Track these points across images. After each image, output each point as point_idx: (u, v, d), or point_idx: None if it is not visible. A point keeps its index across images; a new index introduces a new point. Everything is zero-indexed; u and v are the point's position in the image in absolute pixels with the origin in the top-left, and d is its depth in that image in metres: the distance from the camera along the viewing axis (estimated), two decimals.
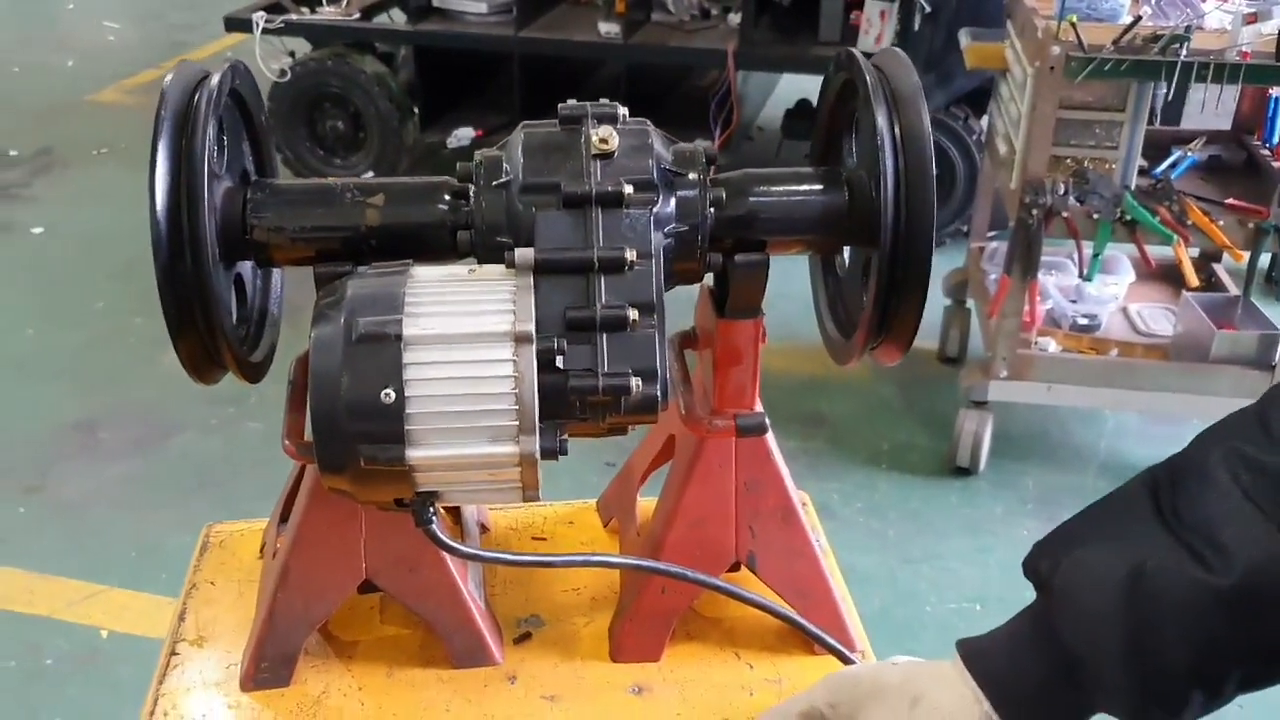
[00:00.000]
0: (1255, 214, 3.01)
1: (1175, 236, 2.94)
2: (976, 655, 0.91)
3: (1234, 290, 3.41)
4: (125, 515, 3.18)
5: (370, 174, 4.82)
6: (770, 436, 1.17)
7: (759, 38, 4.42)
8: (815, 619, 1.18)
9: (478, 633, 1.19)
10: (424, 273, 0.99)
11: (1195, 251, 3.37)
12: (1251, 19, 2.75)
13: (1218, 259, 3.62)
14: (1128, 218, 2.97)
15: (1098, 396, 3.23)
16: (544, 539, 1.39)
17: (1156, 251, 3.10)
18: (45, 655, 2.74)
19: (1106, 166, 3.09)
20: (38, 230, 4.80)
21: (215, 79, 1.01)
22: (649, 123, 1.05)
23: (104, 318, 4.12)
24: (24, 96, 6.22)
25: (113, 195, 4.93)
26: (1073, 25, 2.75)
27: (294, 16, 4.76)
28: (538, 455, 0.95)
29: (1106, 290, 3.41)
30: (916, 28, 4.03)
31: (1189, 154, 3.34)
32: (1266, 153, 3.34)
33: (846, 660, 1.16)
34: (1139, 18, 2.80)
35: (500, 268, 0.99)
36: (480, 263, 1.02)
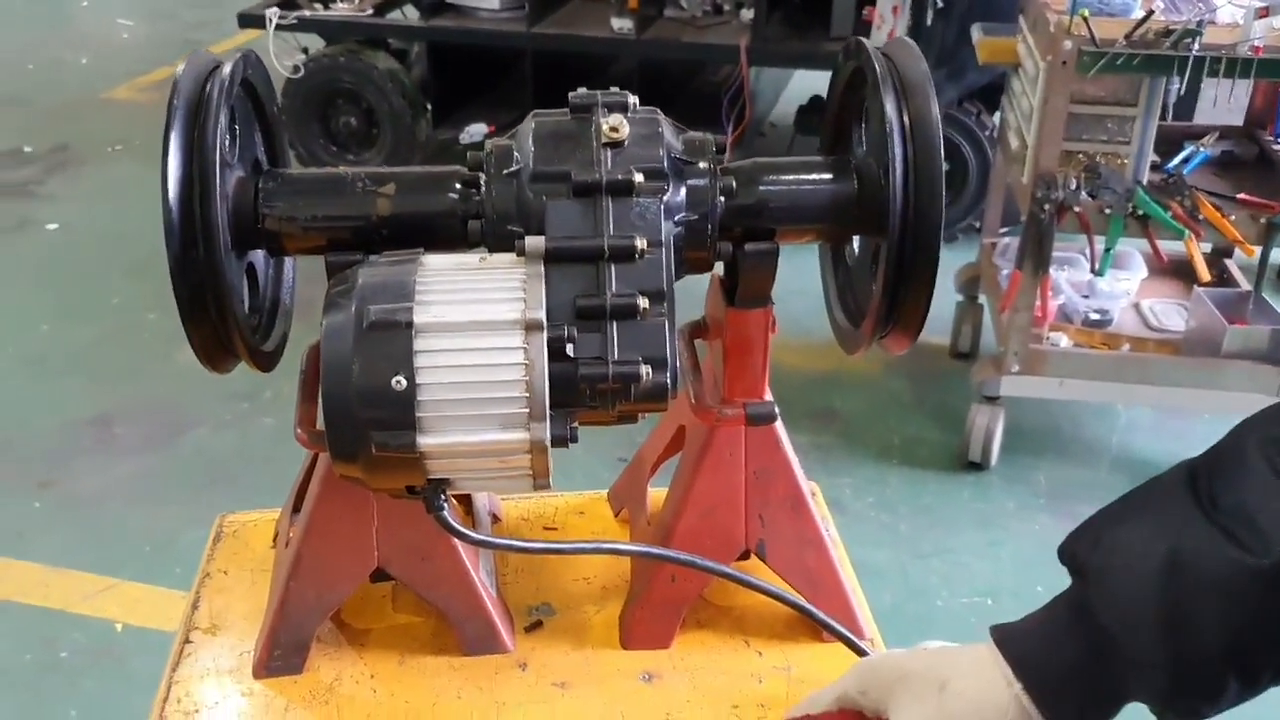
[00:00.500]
0: (1267, 209, 3.00)
1: (1187, 231, 2.93)
2: (1009, 638, 0.91)
3: (1246, 285, 3.41)
4: (139, 510, 3.19)
5: None
6: (780, 425, 1.17)
7: (771, 33, 4.42)
8: (824, 607, 1.18)
9: (489, 620, 1.20)
10: (435, 261, 0.99)
11: (1208, 247, 3.36)
12: (1264, 13, 2.74)
13: (1230, 254, 3.61)
14: (1140, 213, 2.96)
15: (1109, 391, 3.23)
16: (555, 529, 1.39)
17: (1169, 247, 3.10)
18: (60, 648, 2.76)
19: (1118, 161, 3.09)
20: (53, 227, 4.82)
21: (227, 68, 1.02)
22: (659, 111, 1.06)
23: (119, 314, 4.14)
24: (39, 94, 6.25)
25: (127, 192, 4.95)
26: (1085, 20, 2.74)
27: (307, 13, 4.78)
28: (548, 442, 0.96)
29: (1118, 285, 3.40)
30: (929, 23, 4.03)
31: (1201, 149, 3.33)
32: (1279, 148, 3.33)
33: (855, 648, 1.16)
34: (1151, 12, 2.80)
35: (511, 256, 0.99)
36: (491, 251, 1.03)
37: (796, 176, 1.08)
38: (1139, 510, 0.87)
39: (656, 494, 1.34)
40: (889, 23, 4.10)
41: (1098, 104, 3.07)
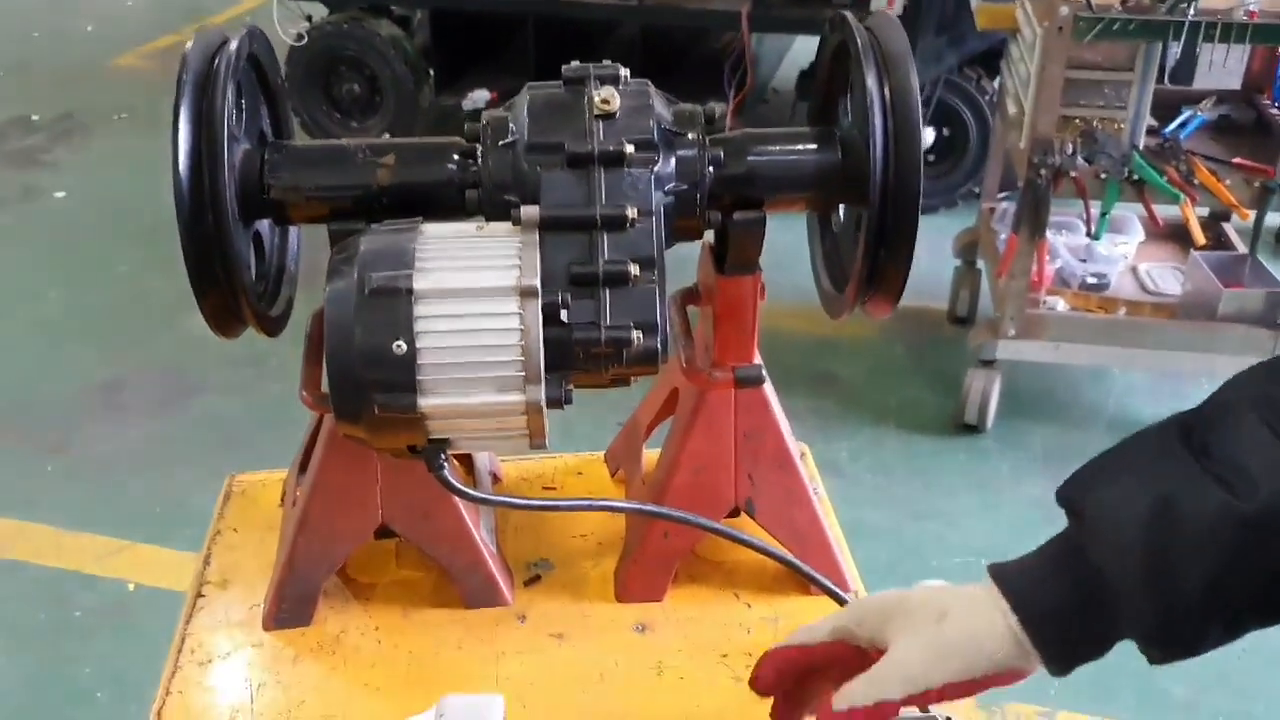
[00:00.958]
0: (1262, 173, 3.03)
1: (1182, 196, 2.96)
2: (1006, 575, 0.93)
3: (1243, 249, 3.44)
4: (150, 473, 3.25)
5: (386, 137, 4.85)
6: (768, 387, 1.22)
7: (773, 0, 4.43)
8: (810, 561, 1.23)
9: (489, 575, 1.25)
10: (434, 229, 1.03)
11: (1205, 211, 3.39)
12: None
13: (1227, 218, 3.63)
14: (1135, 177, 3.00)
15: (1105, 355, 3.27)
16: (554, 488, 1.44)
17: (1168, 211, 3.13)
18: (74, 608, 2.82)
19: (1115, 126, 3.11)
20: (60, 195, 4.86)
21: (234, 44, 1.06)
22: (649, 84, 1.09)
23: (126, 281, 4.18)
24: (44, 62, 6.27)
25: (133, 160, 4.98)
26: None
27: None
28: (543, 404, 1.00)
29: (1116, 250, 3.43)
30: None
31: (1199, 113, 3.35)
32: (1276, 112, 3.35)
33: (840, 600, 1.21)
34: None
35: (507, 225, 1.03)
36: (488, 220, 1.07)
37: (783, 147, 1.11)
38: (1132, 457, 0.90)
39: (651, 454, 1.38)
40: None
41: (1094, 69, 3.10)
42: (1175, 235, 3.49)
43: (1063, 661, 0.91)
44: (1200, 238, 3.07)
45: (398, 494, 1.20)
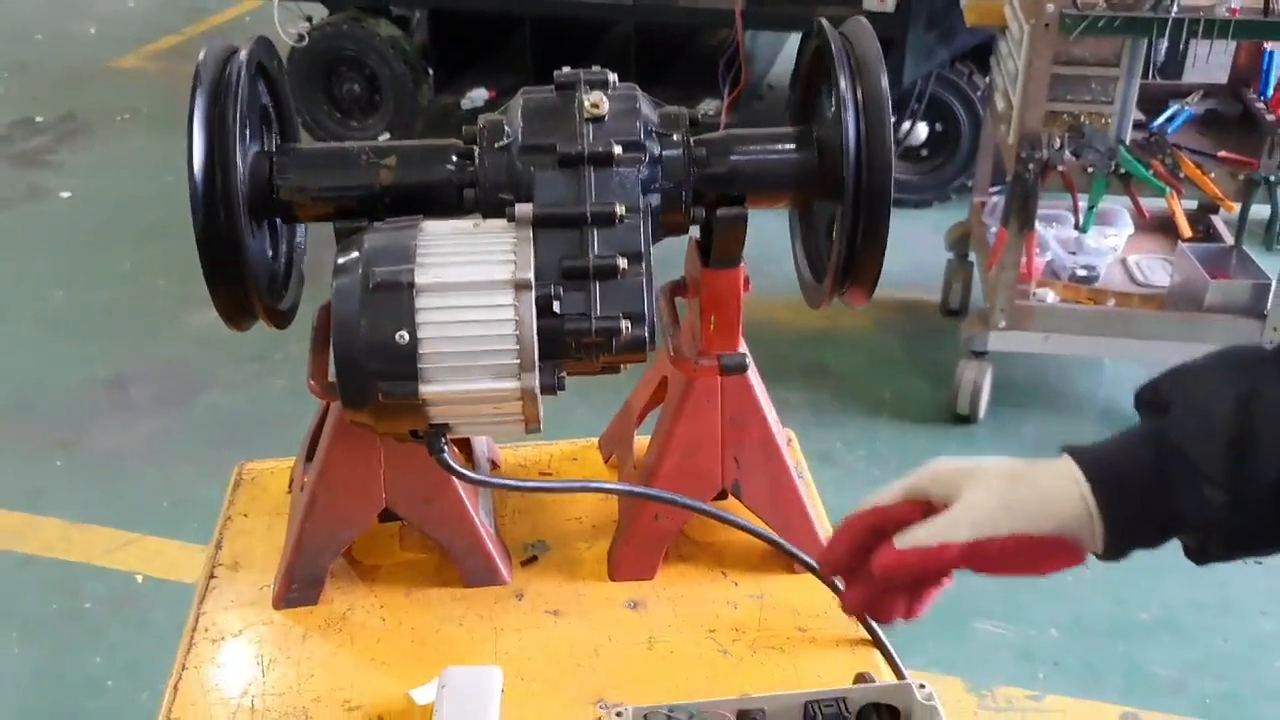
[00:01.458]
0: (1247, 166, 3.08)
1: (1167, 189, 3.02)
2: (1081, 450, 0.94)
3: (1230, 240, 3.49)
4: (157, 467, 3.32)
5: (386, 135, 4.91)
6: (753, 374, 1.28)
7: None
8: (794, 540, 1.29)
9: (488, 555, 1.31)
10: (433, 227, 1.10)
11: (1194, 204, 3.45)
12: None
13: (1215, 210, 3.67)
14: (1122, 171, 3.05)
15: (1095, 345, 3.32)
16: (550, 473, 1.50)
17: (1157, 204, 3.17)
18: (84, 599, 2.89)
19: (1102, 121, 3.16)
20: (65, 195, 4.91)
21: (244, 54, 1.12)
22: (637, 88, 1.16)
23: (131, 279, 4.24)
24: (48, 63, 6.33)
25: (136, 160, 5.04)
26: None
27: None
28: (538, 390, 1.07)
29: (1105, 242, 3.48)
30: None
31: (1186, 107, 3.41)
32: (1261, 106, 3.40)
33: (823, 578, 1.26)
34: None
35: (502, 222, 1.10)
36: (484, 218, 1.13)
37: (764, 147, 1.18)
38: (1222, 360, 0.92)
39: (642, 440, 1.45)
40: None
41: (1081, 65, 3.15)
42: (1164, 227, 3.54)
43: (1121, 539, 0.91)
44: (1186, 230, 3.12)
45: (400, 479, 1.26)
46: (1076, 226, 3.22)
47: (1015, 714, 2.56)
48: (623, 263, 1.08)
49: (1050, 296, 3.34)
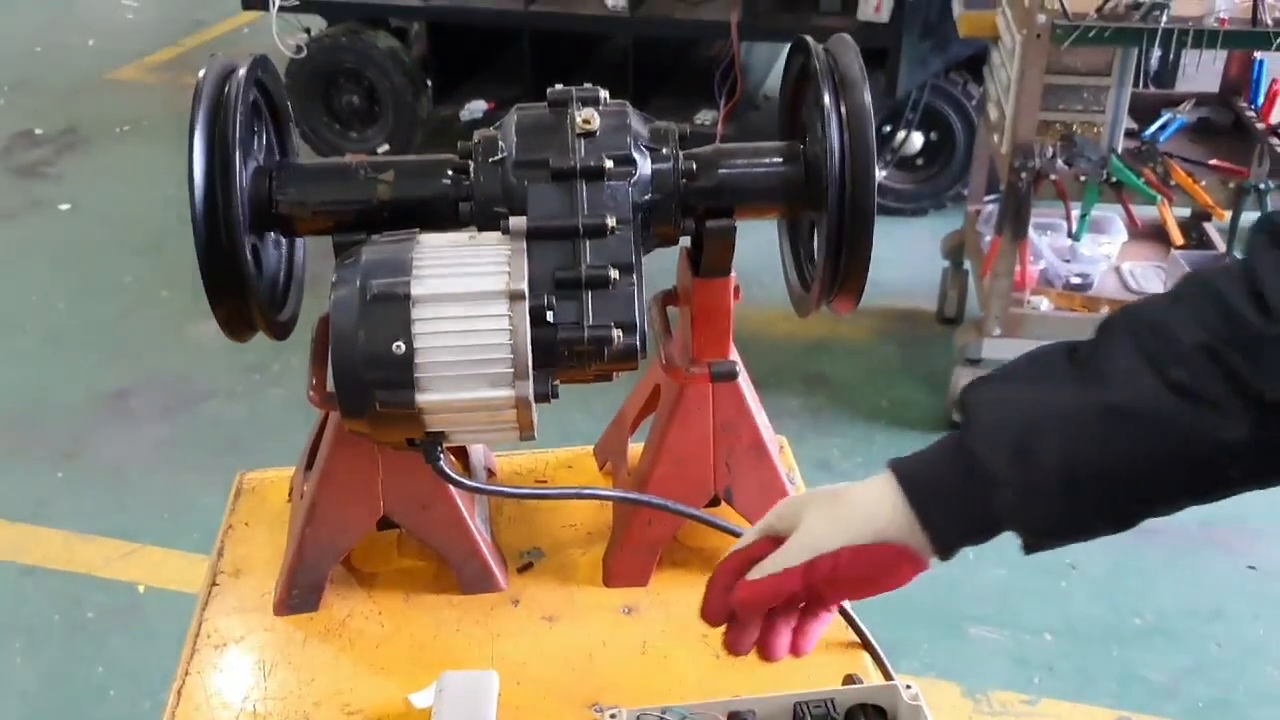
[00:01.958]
0: (1237, 174, 3.11)
1: (1159, 197, 3.05)
2: (899, 463, 1.03)
3: (1222, 248, 3.52)
4: (158, 478, 3.34)
5: (385, 147, 4.94)
6: (743, 382, 1.31)
7: (761, 9, 4.50)
8: None
9: (485, 562, 1.33)
10: (430, 239, 1.12)
11: (1186, 212, 3.47)
12: None
13: (1209, 218, 3.71)
14: (1114, 179, 3.08)
15: None
16: (545, 481, 1.53)
17: (1150, 212, 3.20)
18: (86, 609, 2.91)
19: (1094, 130, 3.20)
20: (65, 207, 4.94)
21: (243, 71, 1.15)
22: (628, 104, 1.19)
23: (132, 291, 4.27)
24: (47, 76, 6.36)
25: (136, 172, 5.07)
26: None
27: None
28: (531, 398, 1.09)
29: (1099, 250, 3.51)
30: None
31: (1178, 116, 3.44)
32: (1252, 114, 3.44)
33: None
34: None
35: (497, 234, 1.12)
36: (479, 230, 1.16)
37: (751, 161, 1.20)
38: (1023, 367, 0.99)
39: (636, 447, 1.47)
40: None
41: (1073, 75, 3.18)
42: (1158, 235, 3.56)
43: (947, 542, 0.99)
44: (1178, 237, 3.15)
45: (399, 487, 1.29)
46: (1070, 235, 3.26)
47: (1010, 718, 2.59)
48: (614, 273, 1.11)
49: (1044, 304, 3.37)
